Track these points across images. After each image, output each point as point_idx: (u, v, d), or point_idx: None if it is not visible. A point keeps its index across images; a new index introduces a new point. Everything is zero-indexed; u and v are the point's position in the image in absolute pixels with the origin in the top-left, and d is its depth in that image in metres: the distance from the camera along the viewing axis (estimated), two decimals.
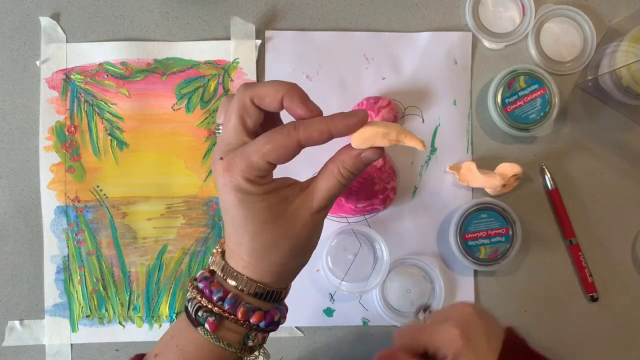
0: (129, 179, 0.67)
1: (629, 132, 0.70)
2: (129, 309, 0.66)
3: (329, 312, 0.67)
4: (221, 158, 0.40)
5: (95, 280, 0.66)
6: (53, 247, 0.66)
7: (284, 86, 0.40)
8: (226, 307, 0.41)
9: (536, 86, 0.66)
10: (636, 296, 0.68)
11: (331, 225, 0.67)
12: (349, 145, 0.42)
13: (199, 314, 0.41)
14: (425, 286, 0.67)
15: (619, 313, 0.68)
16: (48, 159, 0.66)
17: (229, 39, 0.68)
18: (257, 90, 0.40)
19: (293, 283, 0.67)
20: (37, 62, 0.67)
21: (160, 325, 0.66)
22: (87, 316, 0.66)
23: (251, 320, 0.42)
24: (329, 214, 0.67)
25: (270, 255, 0.41)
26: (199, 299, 0.42)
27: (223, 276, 0.43)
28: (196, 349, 0.42)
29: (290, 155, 0.41)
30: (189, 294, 0.43)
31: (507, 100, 0.66)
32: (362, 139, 0.41)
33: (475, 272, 0.67)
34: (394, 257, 0.66)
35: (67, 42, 0.67)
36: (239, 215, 0.40)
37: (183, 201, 0.67)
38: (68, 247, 0.66)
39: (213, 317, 0.41)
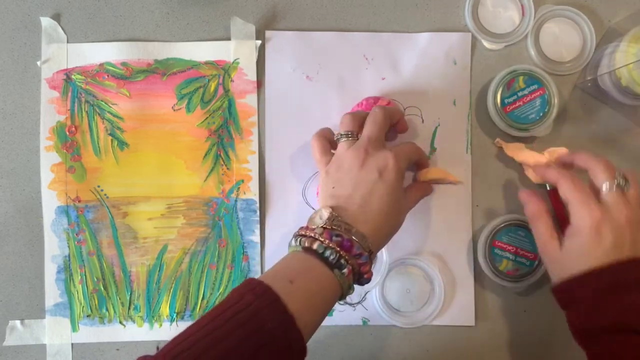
0: (130, 179, 0.67)
1: (628, 132, 0.70)
2: (129, 308, 0.66)
3: None
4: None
5: (95, 279, 0.66)
6: (54, 247, 0.66)
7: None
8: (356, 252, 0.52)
9: (535, 86, 0.66)
10: None
11: None
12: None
13: (341, 262, 0.51)
14: (425, 286, 0.67)
15: None
16: (49, 159, 0.67)
17: (229, 39, 0.68)
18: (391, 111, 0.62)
19: None
20: (38, 63, 0.67)
21: (161, 325, 0.66)
22: (87, 316, 0.66)
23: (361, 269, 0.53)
24: None
25: (389, 219, 0.56)
26: (337, 249, 0.51)
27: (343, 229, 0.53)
28: (320, 282, 0.51)
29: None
30: (317, 243, 0.52)
31: (506, 101, 0.66)
32: (426, 177, 0.66)
33: (476, 273, 0.67)
34: (394, 257, 0.66)
35: (67, 42, 0.68)
36: (397, 188, 0.57)
37: (183, 201, 0.67)
38: (69, 246, 0.66)
39: (351, 267, 0.52)
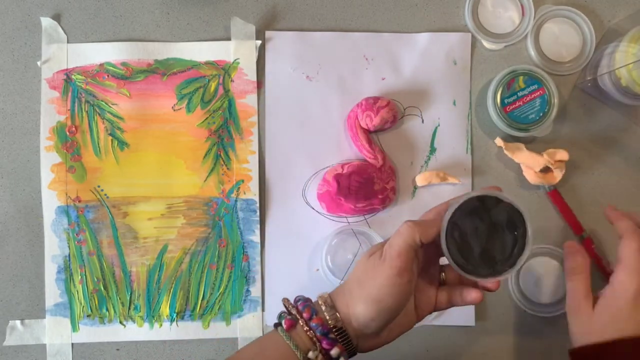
0: (130, 179, 0.67)
1: (628, 132, 0.70)
2: (129, 308, 0.66)
3: None
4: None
5: (96, 279, 0.66)
6: (54, 247, 0.66)
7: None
8: (301, 309, 0.51)
9: (535, 86, 0.67)
10: None
11: (331, 225, 0.67)
12: None
13: (281, 314, 0.52)
14: None
15: None
16: (49, 159, 0.67)
17: (229, 39, 0.68)
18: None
19: (293, 282, 0.68)
20: (38, 63, 0.67)
21: (161, 325, 0.66)
22: (87, 316, 0.66)
23: (316, 331, 0.50)
24: (328, 214, 0.67)
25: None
26: (288, 308, 0.52)
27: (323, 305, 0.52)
28: (274, 349, 0.50)
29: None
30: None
31: (506, 101, 0.66)
32: (424, 179, 0.66)
33: None
34: None
35: (68, 42, 0.68)
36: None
37: (183, 201, 0.67)
38: (69, 246, 0.66)
39: (290, 316, 0.51)
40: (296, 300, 0.52)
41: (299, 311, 0.51)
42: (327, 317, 0.50)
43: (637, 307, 0.51)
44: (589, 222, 0.68)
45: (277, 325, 0.52)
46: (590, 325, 0.53)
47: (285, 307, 0.53)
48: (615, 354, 0.51)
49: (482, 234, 0.49)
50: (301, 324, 0.50)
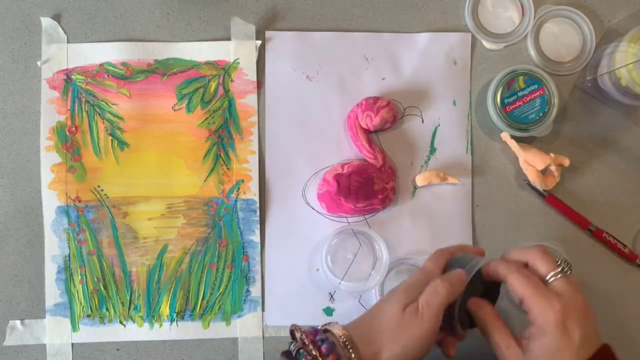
0: (130, 179, 0.67)
1: (628, 132, 0.70)
2: (129, 308, 0.66)
3: (328, 311, 0.67)
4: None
5: (96, 279, 0.66)
6: (54, 247, 0.66)
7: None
8: (325, 354, 0.48)
9: (535, 86, 0.67)
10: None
11: (331, 225, 0.67)
12: None
13: (300, 351, 0.49)
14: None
15: None
16: (49, 159, 0.67)
17: (229, 39, 0.68)
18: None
19: (293, 282, 0.68)
20: (38, 63, 0.67)
21: (161, 325, 0.66)
22: (88, 316, 0.66)
23: None
24: (328, 214, 0.67)
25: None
26: (303, 341, 0.49)
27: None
28: None
29: None
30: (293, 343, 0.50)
31: (506, 101, 0.66)
32: (424, 179, 0.66)
33: None
34: (394, 257, 0.66)
35: (68, 42, 0.68)
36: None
37: (183, 201, 0.67)
38: (69, 246, 0.66)
39: (310, 357, 0.48)
40: (314, 338, 0.49)
41: (321, 354, 0.48)
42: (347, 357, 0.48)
43: (566, 333, 0.48)
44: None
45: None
46: None
47: (303, 341, 0.50)
48: None
49: (468, 294, 0.54)
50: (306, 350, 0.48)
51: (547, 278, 0.51)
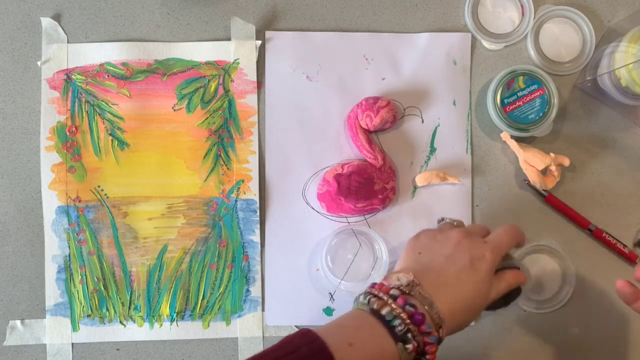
0: (130, 178, 0.67)
1: (628, 132, 0.70)
2: (129, 308, 0.66)
3: (328, 311, 0.67)
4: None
5: (96, 279, 0.66)
6: (54, 247, 0.66)
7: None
8: (427, 330, 0.48)
9: (535, 86, 0.67)
10: None
11: (331, 225, 0.67)
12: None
13: (407, 335, 0.47)
14: None
15: None
16: (49, 159, 0.67)
17: (229, 39, 0.68)
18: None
19: (293, 282, 0.68)
20: (38, 63, 0.67)
21: (161, 325, 0.66)
22: (88, 315, 0.66)
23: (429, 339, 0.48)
24: (328, 214, 0.67)
25: (468, 309, 0.52)
26: (407, 320, 0.48)
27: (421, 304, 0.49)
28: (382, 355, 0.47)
29: None
30: (387, 308, 0.48)
31: (506, 101, 0.66)
32: (424, 179, 0.67)
33: None
34: (394, 257, 0.66)
35: (68, 42, 0.68)
36: (486, 281, 0.53)
37: (183, 201, 0.67)
38: (69, 246, 0.66)
39: (416, 344, 0.47)
40: (403, 303, 0.48)
41: (413, 322, 0.48)
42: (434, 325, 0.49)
43: None
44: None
45: (386, 323, 0.48)
46: None
47: (395, 311, 0.48)
48: None
49: None
50: (414, 333, 0.47)
51: None
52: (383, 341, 0.47)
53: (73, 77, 0.67)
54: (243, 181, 0.67)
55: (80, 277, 0.66)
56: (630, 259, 0.68)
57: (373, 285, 0.51)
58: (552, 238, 0.68)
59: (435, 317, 0.49)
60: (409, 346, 0.47)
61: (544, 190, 0.67)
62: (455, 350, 0.67)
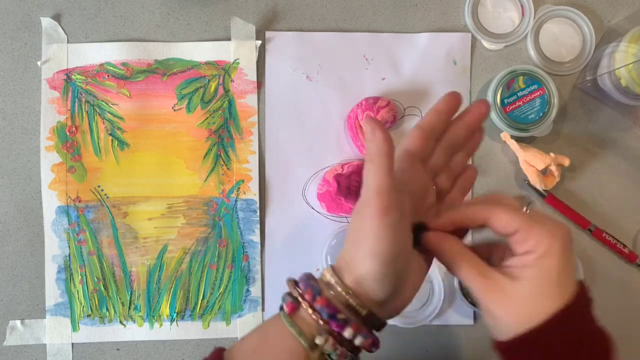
0: (130, 179, 0.67)
1: (628, 132, 0.70)
2: (129, 308, 0.66)
3: None
4: None
5: (96, 279, 0.66)
6: (54, 247, 0.66)
7: None
8: (303, 290, 0.43)
9: (535, 86, 0.67)
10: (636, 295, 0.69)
11: (331, 225, 0.67)
12: None
13: (284, 296, 0.44)
14: (425, 286, 0.67)
15: None
16: (49, 159, 0.67)
17: (229, 39, 0.68)
18: None
19: None
20: (38, 63, 0.67)
21: (161, 325, 0.66)
22: (88, 315, 0.66)
23: (322, 314, 0.42)
24: (328, 214, 0.67)
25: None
26: (294, 292, 0.44)
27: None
28: (277, 335, 0.44)
29: None
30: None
31: (506, 101, 0.66)
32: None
33: None
34: None
35: (68, 42, 0.68)
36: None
37: (183, 201, 0.67)
38: (69, 246, 0.66)
39: (292, 299, 0.44)
40: (298, 280, 0.45)
41: (300, 293, 0.43)
42: (334, 294, 0.43)
43: (570, 256, 0.42)
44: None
45: (281, 308, 0.45)
46: (519, 302, 0.42)
47: (289, 288, 0.45)
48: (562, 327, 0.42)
49: None
50: (304, 306, 0.43)
51: (524, 210, 0.48)
52: (289, 344, 0.43)
53: (73, 77, 0.67)
54: (243, 181, 0.67)
55: (80, 277, 0.66)
56: (630, 259, 0.68)
57: (296, 280, 0.45)
58: None
59: (345, 300, 0.43)
60: (285, 308, 0.44)
61: (544, 190, 0.67)
62: (456, 351, 0.67)
